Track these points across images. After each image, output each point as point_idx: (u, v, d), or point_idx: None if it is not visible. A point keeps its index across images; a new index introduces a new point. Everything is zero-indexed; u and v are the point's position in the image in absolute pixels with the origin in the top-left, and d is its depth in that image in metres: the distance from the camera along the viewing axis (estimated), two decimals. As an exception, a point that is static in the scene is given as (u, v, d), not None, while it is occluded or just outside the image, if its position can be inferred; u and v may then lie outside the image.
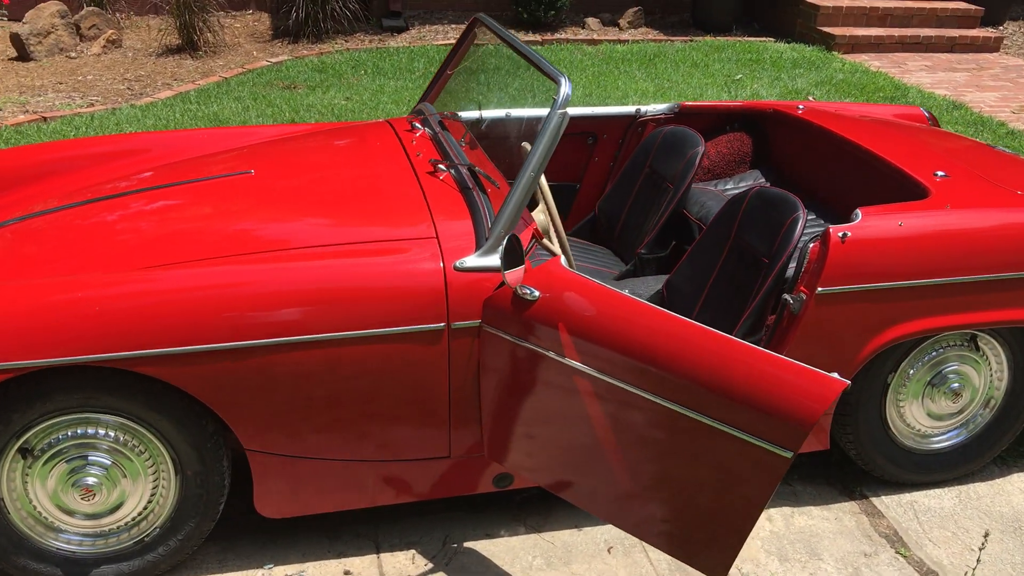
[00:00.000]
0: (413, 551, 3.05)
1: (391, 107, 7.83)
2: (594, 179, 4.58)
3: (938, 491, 3.44)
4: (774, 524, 3.25)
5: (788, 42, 10.60)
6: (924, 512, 3.33)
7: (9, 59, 9.39)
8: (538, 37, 10.52)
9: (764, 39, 10.77)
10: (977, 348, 3.33)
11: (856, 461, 3.40)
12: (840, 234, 3.01)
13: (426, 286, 2.73)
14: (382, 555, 3.02)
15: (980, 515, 3.31)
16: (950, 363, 3.34)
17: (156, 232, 2.98)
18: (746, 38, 10.81)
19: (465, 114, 4.29)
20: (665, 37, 10.77)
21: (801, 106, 4.33)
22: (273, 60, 9.53)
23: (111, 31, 9.98)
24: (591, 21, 11.14)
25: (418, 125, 3.74)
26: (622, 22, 11.23)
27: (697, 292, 3.53)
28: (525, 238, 2.92)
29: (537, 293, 2.70)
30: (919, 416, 3.37)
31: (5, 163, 3.67)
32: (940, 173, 3.42)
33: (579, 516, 3.21)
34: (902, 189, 3.50)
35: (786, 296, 3.03)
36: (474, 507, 3.24)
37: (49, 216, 3.18)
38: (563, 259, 3.02)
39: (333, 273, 2.72)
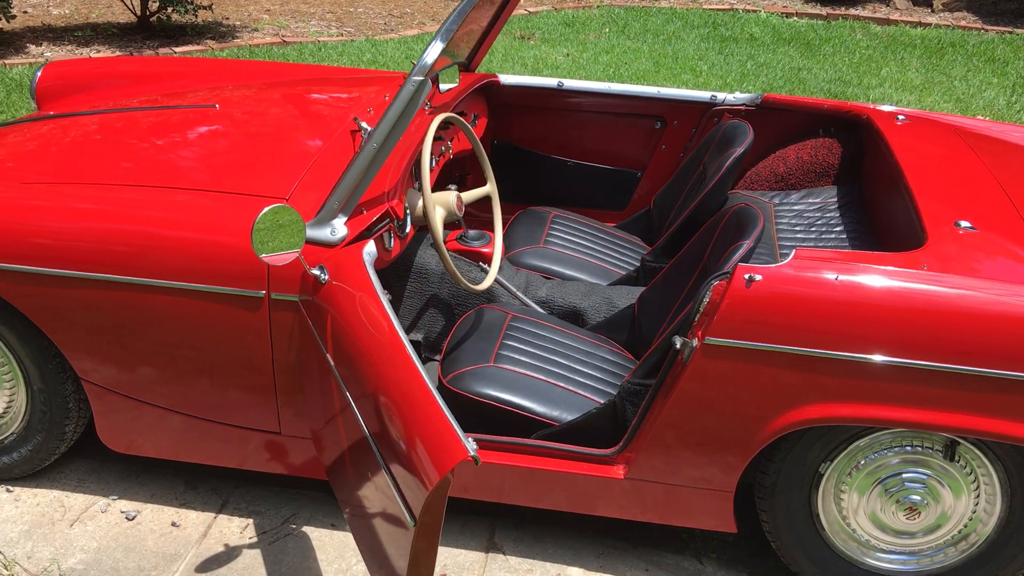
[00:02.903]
0: (251, 520, 2.93)
1: (599, 70, 7.48)
2: (659, 170, 4.05)
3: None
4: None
5: None
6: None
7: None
8: (823, 11, 9.51)
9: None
10: (952, 458, 2.52)
11: (779, 556, 2.75)
12: (747, 276, 2.40)
13: (249, 248, 2.55)
14: (220, 515, 2.94)
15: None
16: (915, 469, 2.57)
17: (72, 151, 3.04)
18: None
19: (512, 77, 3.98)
20: (981, 25, 9.28)
21: (901, 116, 3.49)
22: (532, 10, 9.48)
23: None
24: (898, -1, 9.87)
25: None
26: (936, 2, 9.82)
27: (664, 312, 3.02)
28: (372, 216, 2.62)
29: (326, 277, 2.43)
30: (860, 518, 2.64)
31: (58, 73, 3.93)
32: (965, 224, 2.59)
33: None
34: (901, 233, 2.71)
35: (676, 338, 2.48)
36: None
37: (23, 125, 3.37)
38: (434, 245, 2.71)
39: (166, 216, 2.63)
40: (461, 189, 4.10)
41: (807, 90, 7.20)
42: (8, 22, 7.36)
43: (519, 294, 3.29)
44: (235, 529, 2.90)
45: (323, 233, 2.53)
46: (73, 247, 2.62)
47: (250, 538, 2.87)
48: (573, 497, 2.71)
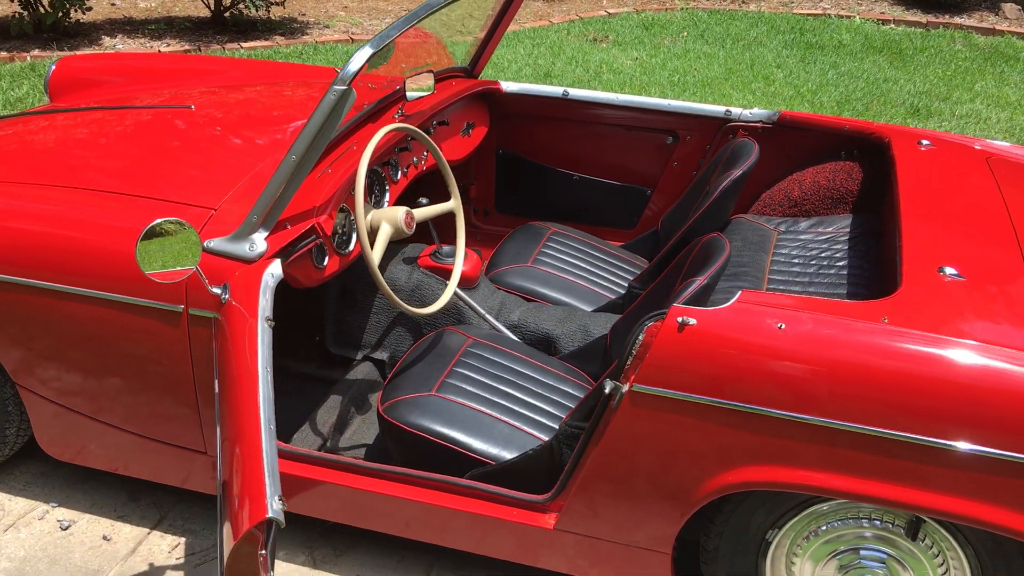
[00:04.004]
0: (183, 539, 2.83)
1: (665, 76, 7.17)
2: (670, 187, 3.78)
3: None
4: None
5: None
6: None
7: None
8: (924, 18, 8.93)
9: None
10: (915, 537, 2.21)
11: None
12: (680, 319, 2.14)
13: (164, 260, 2.44)
14: (154, 532, 2.84)
15: None
16: (874, 546, 2.26)
17: (24, 149, 2.97)
18: None
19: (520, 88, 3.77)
20: (1099, 37, 8.55)
21: (926, 140, 3.14)
22: (612, 11, 9.22)
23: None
24: (1008, 8, 9.19)
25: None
26: (1052, 12, 9.11)
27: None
28: (296, 232, 2.46)
29: (227, 296, 2.29)
30: None
31: (71, 68, 3.93)
32: (950, 271, 2.27)
33: (368, 565, 2.75)
34: (881, 276, 2.40)
35: (607, 381, 2.24)
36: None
37: (16, 118, 3.36)
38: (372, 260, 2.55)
39: (89, 220, 2.54)
40: (464, 198, 3.94)
41: (888, 103, 6.74)
42: (84, 14, 7.54)
43: (488, 317, 3.09)
44: (165, 548, 2.80)
45: (242, 248, 2.39)
46: None
47: (177, 558, 2.77)
48: (502, 545, 2.51)
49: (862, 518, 2.24)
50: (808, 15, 9.12)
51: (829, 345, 2.07)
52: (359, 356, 3.20)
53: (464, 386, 2.69)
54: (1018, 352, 2.01)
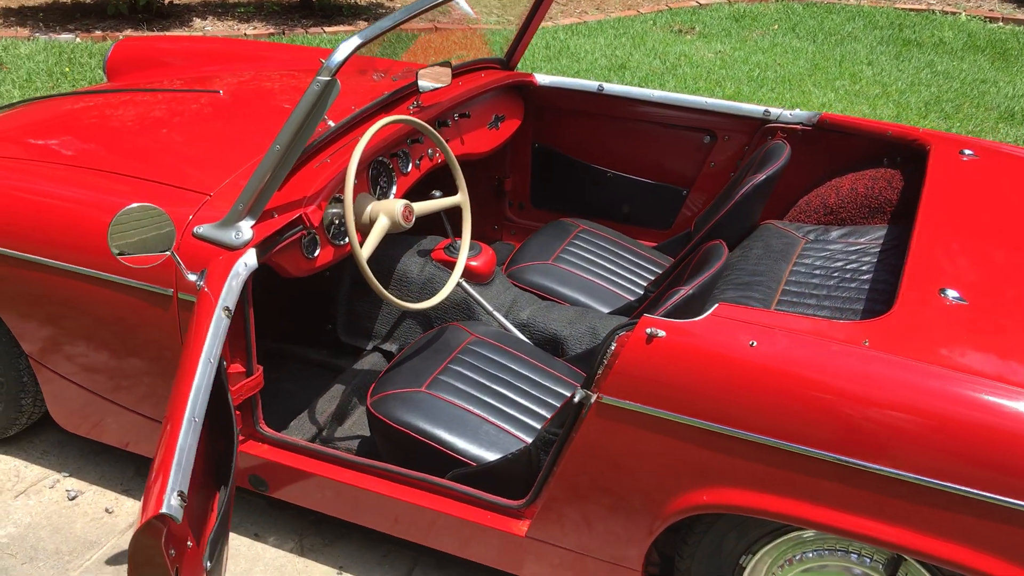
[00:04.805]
0: (181, 517, 2.89)
1: (745, 70, 6.95)
2: (707, 188, 3.65)
3: None
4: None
5: None
6: None
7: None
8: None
9: None
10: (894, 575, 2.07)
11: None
12: (649, 330, 2.05)
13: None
14: (156, 508, 2.91)
15: None
16: (852, 580, 2.14)
17: (47, 128, 3.05)
18: None
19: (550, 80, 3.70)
20: None
21: (968, 151, 2.93)
22: (703, 2, 9.00)
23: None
24: None
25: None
26: None
27: None
28: (282, 221, 2.46)
29: (202, 283, 2.30)
30: None
31: (130, 49, 4.03)
32: (952, 293, 2.11)
33: (354, 557, 2.75)
34: (882, 295, 2.25)
35: (579, 390, 2.17)
36: (274, 505, 2.92)
37: (47, 99, 3.47)
38: (360, 254, 2.54)
39: (89, 199, 2.59)
40: (498, 193, 3.90)
41: (981, 106, 6.38)
42: (176, -4, 7.77)
43: (496, 314, 3.05)
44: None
45: (228, 235, 2.41)
46: (6, 224, 2.63)
47: (173, 536, 2.81)
48: (485, 551, 2.47)
49: (851, 552, 2.12)
50: (910, 10, 8.72)
51: (800, 366, 1.95)
52: (369, 346, 3.20)
53: (456, 384, 2.65)
54: (1008, 386, 1.85)
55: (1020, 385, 1.85)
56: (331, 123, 2.81)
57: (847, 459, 1.91)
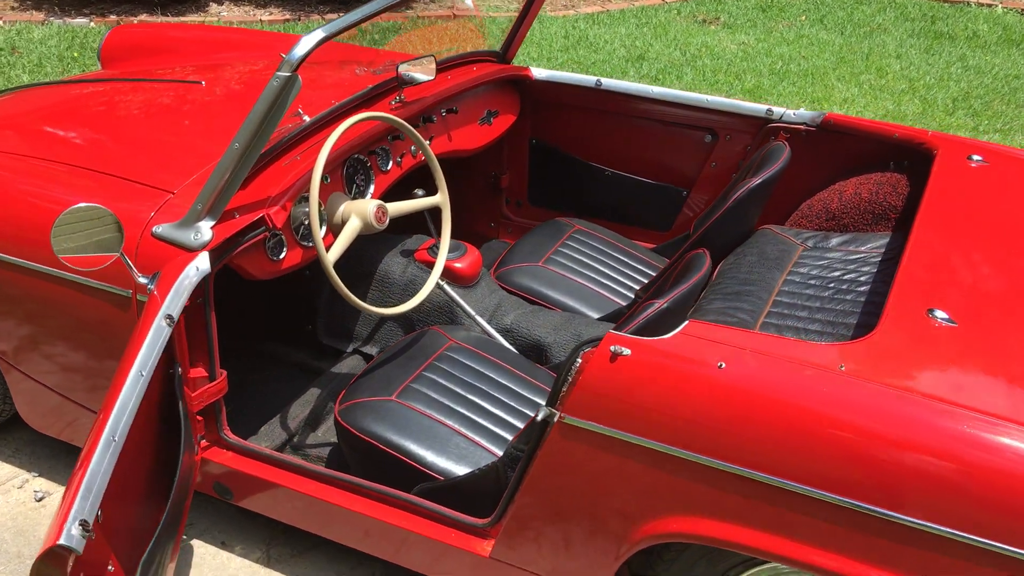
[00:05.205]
0: (149, 522, 2.82)
1: (768, 63, 6.76)
2: (708, 189, 3.50)
3: None
4: None
5: None
6: None
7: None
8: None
9: None
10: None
11: None
12: (613, 348, 1.93)
13: (113, 240, 2.37)
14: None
15: None
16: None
17: (22, 119, 2.98)
18: None
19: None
20: None
21: (977, 156, 2.77)
22: (730, -9, 8.79)
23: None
24: None
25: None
26: None
27: None
28: (244, 222, 2.35)
29: (152, 286, 2.21)
30: None
31: (125, 37, 3.95)
32: (941, 314, 1.96)
33: (324, 568, 2.66)
34: (874, 311, 2.11)
35: (543, 407, 2.06)
36: (244, 512, 2.82)
37: (40, 87, 3.40)
38: (325, 258, 2.43)
39: (48, 194, 2.50)
40: (495, 190, 3.78)
41: (1012, 102, 6.16)
42: (194, -19, 7.70)
43: (478, 318, 2.94)
44: (130, 528, 2.78)
45: (187, 236, 2.31)
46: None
47: (139, 541, 2.74)
48: (448, 568, 2.37)
49: (814, 584, 1.99)
50: (944, 1, 8.46)
51: (770, 391, 1.82)
52: (349, 349, 3.10)
53: (429, 392, 2.55)
54: (989, 418, 1.71)
55: (1002, 417, 1.71)
56: (306, 118, 2.71)
57: (818, 491, 1.78)
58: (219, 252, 2.28)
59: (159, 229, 2.34)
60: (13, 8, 7.23)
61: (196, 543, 2.74)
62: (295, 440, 2.79)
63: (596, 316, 3.09)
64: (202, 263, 2.21)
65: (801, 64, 6.69)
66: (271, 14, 7.57)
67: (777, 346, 1.89)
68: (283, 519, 2.56)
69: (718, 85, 6.18)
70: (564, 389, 2.01)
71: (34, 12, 7.16)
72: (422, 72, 2.89)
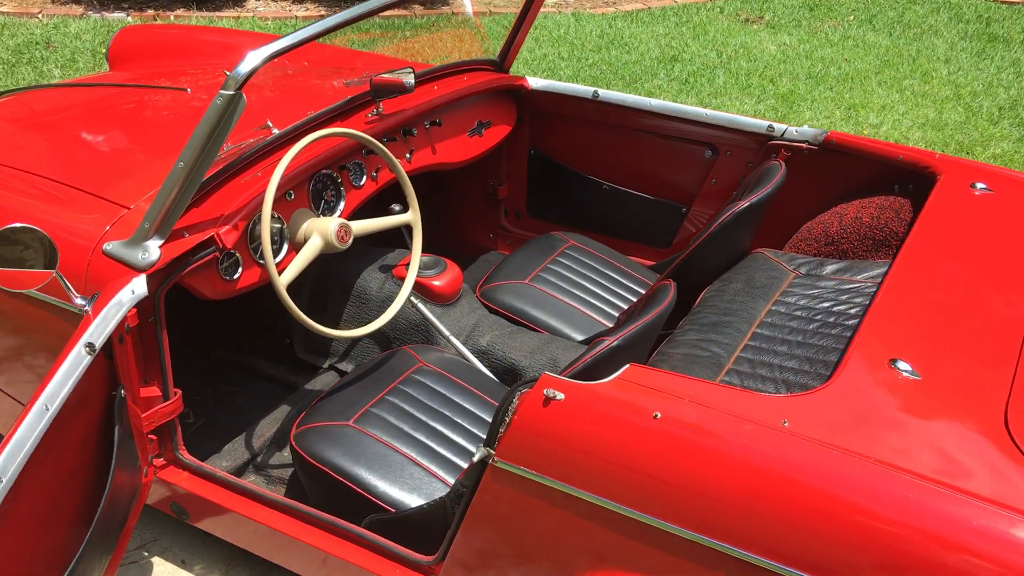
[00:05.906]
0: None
1: (807, 65, 6.53)
2: (708, 206, 3.36)
3: None
4: None
5: None
6: None
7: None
8: None
9: None
10: None
11: None
12: (547, 392, 1.83)
13: (65, 258, 2.34)
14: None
15: None
16: None
17: (12, 121, 2.96)
18: None
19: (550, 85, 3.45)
20: None
21: (981, 184, 2.59)
22: (778, -11, 8.54)
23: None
24: None
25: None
26: None
27: None
28: (193, 242, 2.29)
29: (88, 308, 2.16)
30: None
31: (133, 37, 3.92)
32: (904, 366, 1.81)
33: None
34: (817, 368, 1.97)
35: (480, 447, 1.96)
36: (210, 534, 2.77)
37: (29, 91, 3.39)
38: (277, 280, 2.36)
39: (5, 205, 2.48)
40: (493, 201, 3.68)
41: (1064, 111, 5.86)
42: (231, -24, 7.72)
43: (452, 339, 2.85)
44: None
45: (134, 255, 2.25)
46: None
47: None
48: None
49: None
50: (1002, 2, 8.10)
51: (705, 446, 1.70)
52: (325, 364, 3.04)
53: (388, 418, 2.47)
54: (938, 487, 1.57)
55: (952, 488, 1.57)
56: (275, 130, 2.64)
57: (749, 555, 1.66)
58: (166, 273, 2.22)
59: (109, 247, 2.29)
60: (53, 2, 7.32)
61: (156, 560, 2.70)
62: (258, 460, 2.74)
63: (580, 338, 2.98)
64: (138, 286, 2.15)
65: (842, 67, 6.46)
66: (307, 10, 7.55)
67: (721, 396, 1.77)
68: (236, 543, 2.51)
69: (751, 89, 5.99)
70: (501, 430, 1.91)
71: (73, 6, 7.24)
72: (399, 84, 2.80)
